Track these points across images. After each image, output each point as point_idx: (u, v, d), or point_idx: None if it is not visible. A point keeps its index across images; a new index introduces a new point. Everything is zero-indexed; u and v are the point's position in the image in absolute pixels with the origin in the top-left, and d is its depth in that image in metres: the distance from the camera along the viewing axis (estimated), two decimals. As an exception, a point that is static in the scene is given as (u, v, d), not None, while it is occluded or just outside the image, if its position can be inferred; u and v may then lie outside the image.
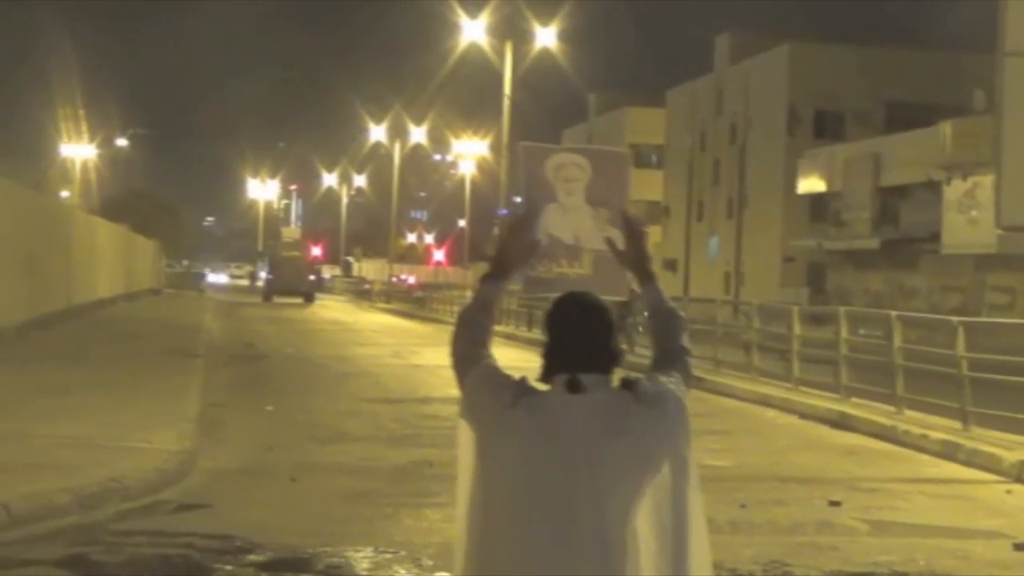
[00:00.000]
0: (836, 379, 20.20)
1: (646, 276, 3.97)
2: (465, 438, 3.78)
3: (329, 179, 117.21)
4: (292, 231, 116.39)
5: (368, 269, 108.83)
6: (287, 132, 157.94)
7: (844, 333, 20.23)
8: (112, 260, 46.74)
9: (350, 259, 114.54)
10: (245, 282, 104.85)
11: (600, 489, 3.54)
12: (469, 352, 3.85)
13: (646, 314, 4.03)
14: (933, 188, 46.04)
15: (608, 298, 3.88)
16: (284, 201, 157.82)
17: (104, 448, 12.54)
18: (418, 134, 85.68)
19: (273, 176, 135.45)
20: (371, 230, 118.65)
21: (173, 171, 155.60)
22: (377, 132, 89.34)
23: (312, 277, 72.32)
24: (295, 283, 68.89)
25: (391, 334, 40.12)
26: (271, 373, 23.85)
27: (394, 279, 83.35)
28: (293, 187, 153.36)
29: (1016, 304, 42.04)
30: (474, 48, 50.57)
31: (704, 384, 21.65)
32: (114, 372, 20.28)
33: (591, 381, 3.63)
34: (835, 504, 11.83)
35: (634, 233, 3.99)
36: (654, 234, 69.66)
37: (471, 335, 3.90)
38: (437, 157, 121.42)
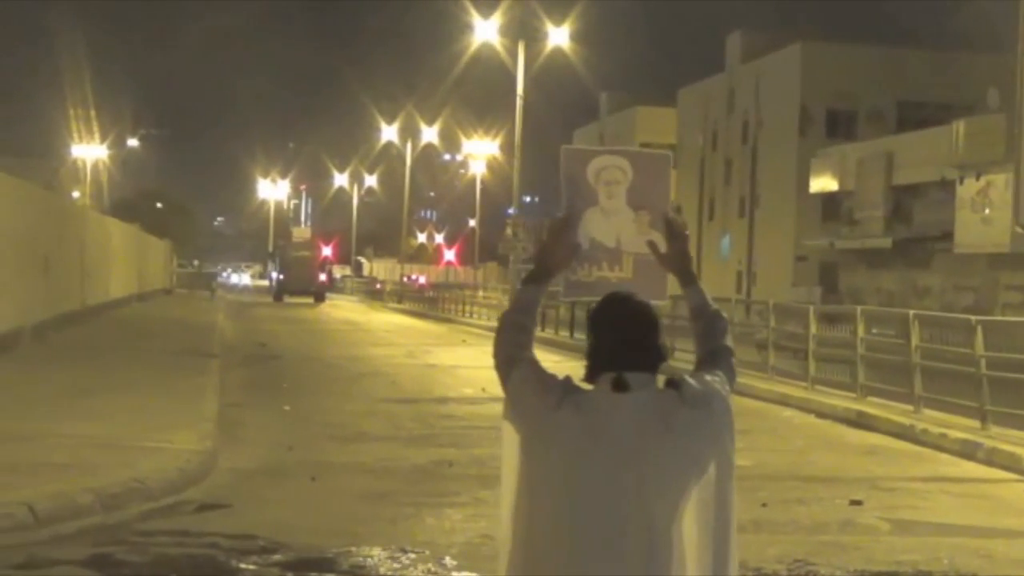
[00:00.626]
0: (853, 378, 20.20)
1: (689, 278, 3.99)
2: (509, 439, 3.79)
3: (340, 179, 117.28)
4: (303, 231, 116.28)
5: (379, 269, 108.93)
6: (298, 132, 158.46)
7: (861, 332, 20.22)
8: (125, 260, 46.81)
9: (361, 259, 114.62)
10: (267, 283, 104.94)
11: (646, 489, 3.54)
12: (512, 354, 3.86)
13: (689, 315, 4.03)
14: (946, 187, 45.99)
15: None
16: (294, 201, 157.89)
17: (125, 448, 12.57)
18: (429, 134, 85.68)
19: (284, 176, 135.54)
20: (382, 230, 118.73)
21: (184, 171, 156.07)
22: (389, 132, 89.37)
23: (323, 277, 72.38)
24: (306, 283, 69.02)
25: (404, 334, 40.14)
26: (286, 373, 23.88)
27: (405, 279, 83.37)
28: (303, 187, 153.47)
29: (1030, 303, 41.99)
30: (485, 48, 50.58)
31: (720, 383, 21.59)
32: (131, 372, 20.32)
33: (637, 380, 3.62)
34: (856, 503, 11.83)
35: (676, 235, 4.01)
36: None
37: (513, 337, 3.91)
38: (447, 157, 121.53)
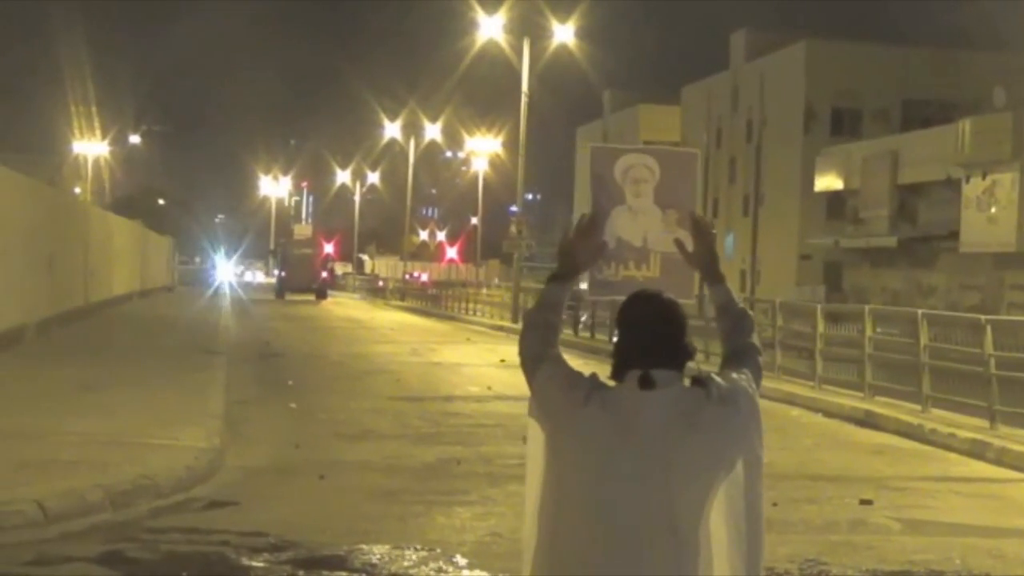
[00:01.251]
0: (860, 377, 20.20)
1: (715, 276, 4.00)
2: (534, 437, 3.80)
3: (342, 176, 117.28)
4: (304, 228, 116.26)
5: (381, 266, 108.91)
6: (300, 129, 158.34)
7: (869, 331, 20.22)
8: (127, 257, 46.85)
9: (363, 256, 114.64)
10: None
11: (673, 486, 3.55)
12: (538, 352, 3.87)
13: (715, 313, 4.04)
14: (952, 186, 45.97)
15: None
16: (295, 198, 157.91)
17: (133, 445, 12.60)
18: (432, 131, 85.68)
19: (285, 173, 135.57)
20: (384, 227, 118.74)
21: (185, 168, 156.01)
22: (391, 129, 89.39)
23: (324, 274, 72.45)
24: (307, 280, 69.06)
25: (408, 332, 40.13)
26: (291, 370, 23.88)
27: (407, 276, 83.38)
28: (305, 184, 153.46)
29: (1035, 302, 41.99)
30: (489, 45, 50.59)
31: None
32: (137, 369, 20.35)
33: (663, 377, 3.63)
34: (867, 503, 11.84)
35: (703, 234, 4.02)
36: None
37: (539, 335, 3.93)
38: (449, 154, 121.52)
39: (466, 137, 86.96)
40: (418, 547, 9.50)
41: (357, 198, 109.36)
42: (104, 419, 14.23)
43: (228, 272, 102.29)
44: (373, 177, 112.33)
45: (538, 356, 3.85)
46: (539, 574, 3.74)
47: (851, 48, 62.36)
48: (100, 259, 37.19)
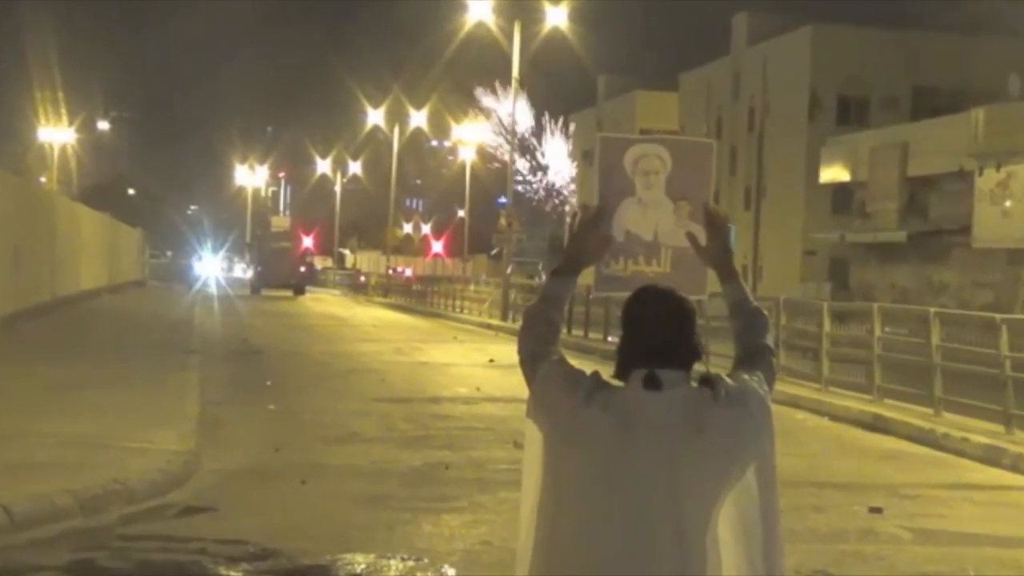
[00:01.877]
0: (868, 379, 20.21)
1: (729, 273, 3.98)
2: (532, 437, 3.79)
3: (322, 166, 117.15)
4: (282, 220, 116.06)
5: (363, 261, 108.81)
6: (278, 116, 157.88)
7: (877, 331, 20.23)
8: (96, 251, 46.77)
9: (344, 250, 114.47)
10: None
11: (678, 490, 3.55)
12: (538, 350, 3.86)
13: (728, 312, 4.03)
14: (964, 178, 46.02)
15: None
16: (272, 189, 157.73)
17: (104, 447, 12.59)
18: (418, 118, 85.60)
19: (262, 162, 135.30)
20: (366, 220, 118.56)
21: (156, 157, 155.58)
22: (375, 116, 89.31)
23: (303, 269, 72.34)
24: (285, 275, 68.90)
25: (392, 330, 40.13)
26: (269, 370, 23.87)
27: (391, 271, 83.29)
28: (282, 174, 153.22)
29: (1052, 301, 42.09)
30: (478, 28, 50.57)
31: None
32: (107, 368, 20.32)
33: (669, 378, 3.62)
34: (876, 511, 11.85)
35: (717, 227, 4.00)
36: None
37: (540, 332, 3.91)
38: (435, 143, 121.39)
39: (453, 125, 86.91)
40: (405, 556, 9.50)
41: (338, 188, 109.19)
42: (74, 420, 14.21)
43: (214, 267, 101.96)
44: (355, 166, 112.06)
45: (536, 354, 3.84)
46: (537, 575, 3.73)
47: (858, 32, 62.42)
48: (67, 252, 37.13)
